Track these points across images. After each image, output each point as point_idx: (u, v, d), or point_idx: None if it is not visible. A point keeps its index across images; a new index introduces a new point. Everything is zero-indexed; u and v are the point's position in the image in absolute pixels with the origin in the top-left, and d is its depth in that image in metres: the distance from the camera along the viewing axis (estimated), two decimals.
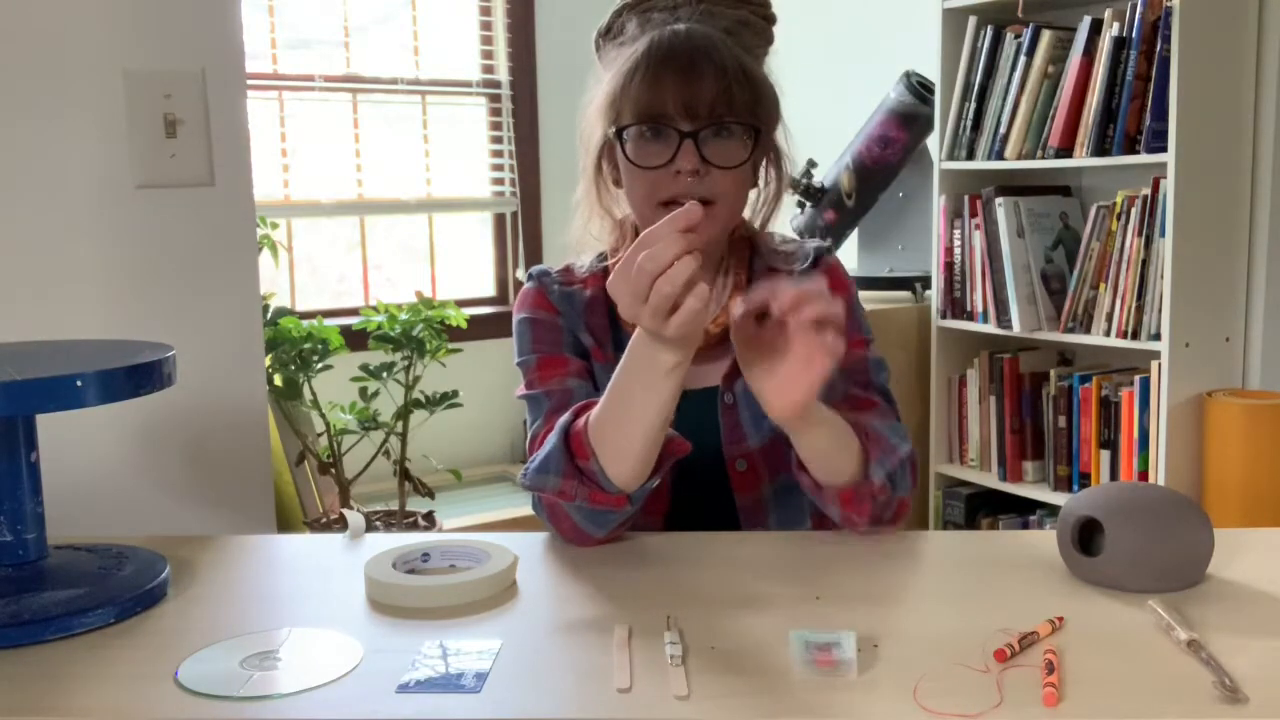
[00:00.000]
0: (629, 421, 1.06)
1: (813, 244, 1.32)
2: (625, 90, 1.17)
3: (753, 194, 1.26)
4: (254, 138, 1.60)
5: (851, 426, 1.13)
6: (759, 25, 1.25)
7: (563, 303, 1.26)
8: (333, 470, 2.53)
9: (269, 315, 2.46)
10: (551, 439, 1.10)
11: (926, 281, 2.93)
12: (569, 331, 1.25)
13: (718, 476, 1.26)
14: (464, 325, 2.63)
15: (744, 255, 1.27)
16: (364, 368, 2.49)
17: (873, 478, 1.11)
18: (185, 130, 1.52)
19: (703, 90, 1.14)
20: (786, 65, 1.28)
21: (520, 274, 3.74)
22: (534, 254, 3.77)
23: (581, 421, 1.09)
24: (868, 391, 1.23)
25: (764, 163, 1.25)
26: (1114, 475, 2.54)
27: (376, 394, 2.53)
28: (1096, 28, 2.50)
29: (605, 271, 1.26)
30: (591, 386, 1.22)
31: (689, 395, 1.26)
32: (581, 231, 1.29)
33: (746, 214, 1.27)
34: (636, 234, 1.25)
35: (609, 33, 1.26)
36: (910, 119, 2.93)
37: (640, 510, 1.25)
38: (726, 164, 1.16)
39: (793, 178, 1.27)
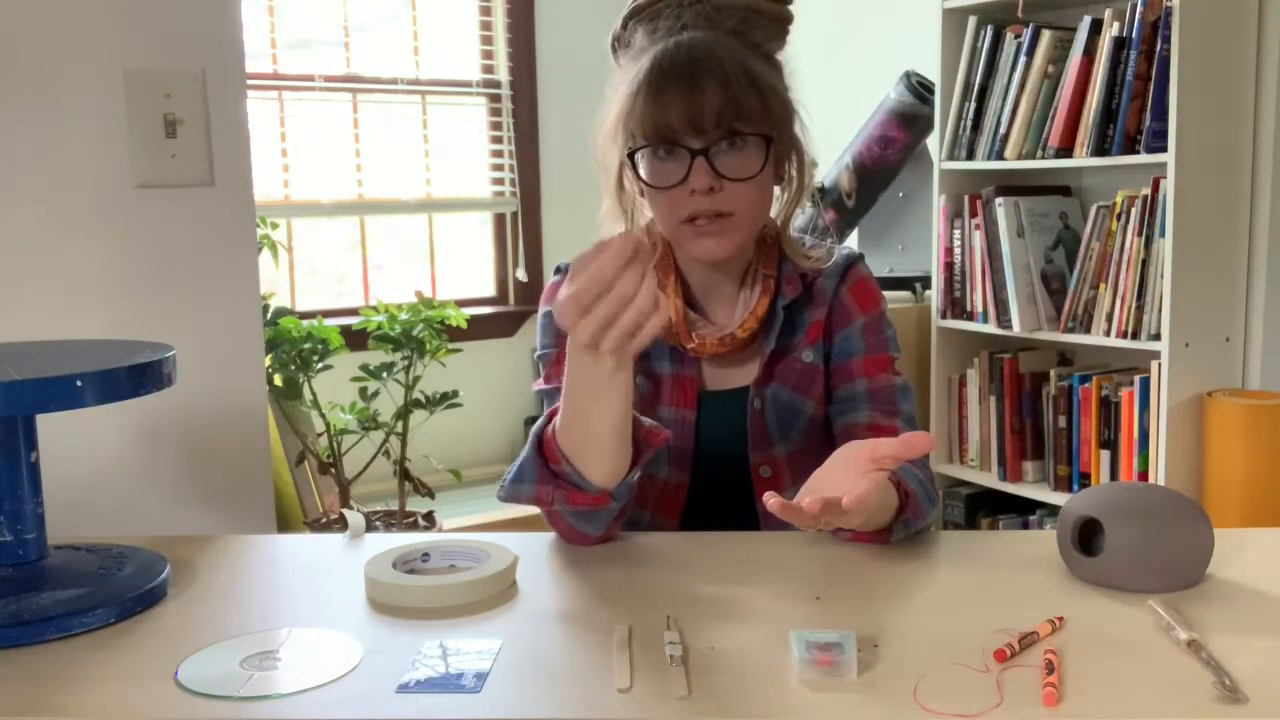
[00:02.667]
0: (589, 425, 1.04)
1: (844, 251, 1.30)
2: (631, 112, 1.17)
3: (777, 189, 1.25)
4: (254, 138, 1.60)
5: (895, 484, 1.08)
6: (774, 10, 1.23)
7: None
8: (333, 470, 2.53)
9: (269, 315, 2.47)
10: (525, 448, 1.10)
11: (926, 281, 2.93)
12: None
13: (741, 480, 1.26)
14: (464, 325, 2.63)
15: (773, 261, 1.27)
16: (364, 368, 2.49)
17: (892, 537, 1.10)
18: (185, 130, 1.52)
19: (706, 104, 1.14)
20: (787, 65, 1.28)
21: (520, 274, 3.75)
22: (534, 254, 3.77)
23: (551, 427, 1.08)
24: (891, 419, 1.22)
25: (787, 160, 1.24)
26: (1114, 475, 2.54)
27: (376, 394, 2.53)
28: (1096, 28, 2.50)
29: None
30: None
31: (718, 395, 1.26)
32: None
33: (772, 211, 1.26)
34: (667, 243, 1.25)
35: (620, 41, 1.25)
36: (910, 119, 2.93)
37: (654, 509, 1.25)
38: (741, 176, 1.16)
39: (814, 159, 1.26)
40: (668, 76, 1.15)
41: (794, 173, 1.25)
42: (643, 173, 1.18)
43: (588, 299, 0.93)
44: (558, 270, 1.30)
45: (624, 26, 1.25)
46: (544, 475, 1.08)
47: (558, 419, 1.07)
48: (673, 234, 1.21)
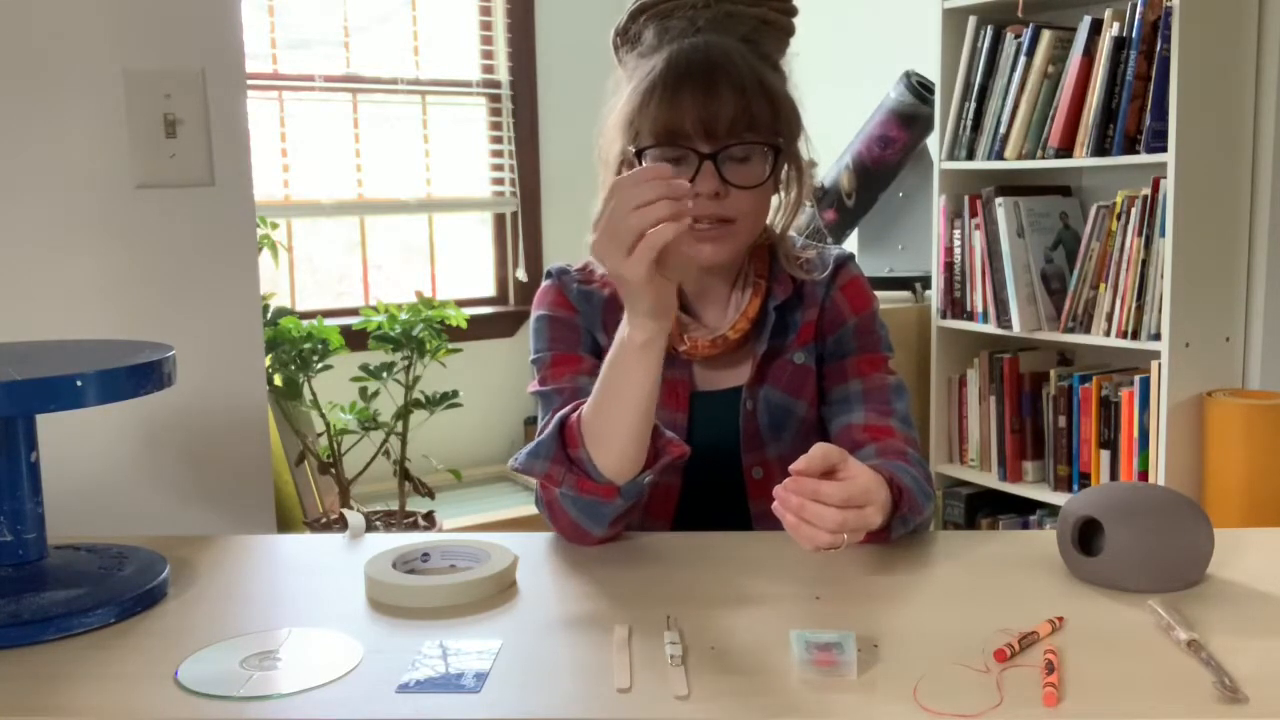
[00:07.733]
0: (610, 406, 1.06)
1: (834, 251, 1.30)
2: (644, 110, 1.16)
3: (775, 199, 1.25)
4: (254, 138, 1.60)
5: (887, 480, 1.06)
6: (781, 23, 1.24)
7: (581, 301, 1.26)
8: (333, 470, 2.53)
9: (269, 315, 2.47)
10: (548, 428, 1.11)
11: (926, 281, 2.93)
12: (586, 330, 1.25)
13: (734, 481, 1.26)
14: (464, 325, 2.63)
15: (764, 262, 1.27)
16: (364, 368, 2.49)
17: (891, 534, 1.09)
18: (185, 130, 1.52)
19: (721, 110, 1.14)
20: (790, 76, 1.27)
21: (520, 274, 3.75)
22: (534, 254, 3.77)
23: (577, 414, 1.10)
24: (885, 419, 1.22)
25: (786, 170, 1.24)
26: (1114, 475, 2.54)
27: (376, 394, 2.53)
28: (1096, 28, 2.50)
29: None
30: None
31: (710, 396, 1.26)
32: None
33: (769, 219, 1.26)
34: None
35: (626, 35, 1.24)
36: (910, 119, 2.93)
37: (646, 510, 1.25)
38: (746, 184, 1.16)
39: (814, 185, 1.27)
40: (684, 78, 1.15)
41: (794, 183, 1.25)
42: None
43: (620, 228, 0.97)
44: (548, 274, 1.30)
45: (631, 21, 1.24)
46: (559, 456, 1.09)
47: (584, 406, 1.09)
48: None
